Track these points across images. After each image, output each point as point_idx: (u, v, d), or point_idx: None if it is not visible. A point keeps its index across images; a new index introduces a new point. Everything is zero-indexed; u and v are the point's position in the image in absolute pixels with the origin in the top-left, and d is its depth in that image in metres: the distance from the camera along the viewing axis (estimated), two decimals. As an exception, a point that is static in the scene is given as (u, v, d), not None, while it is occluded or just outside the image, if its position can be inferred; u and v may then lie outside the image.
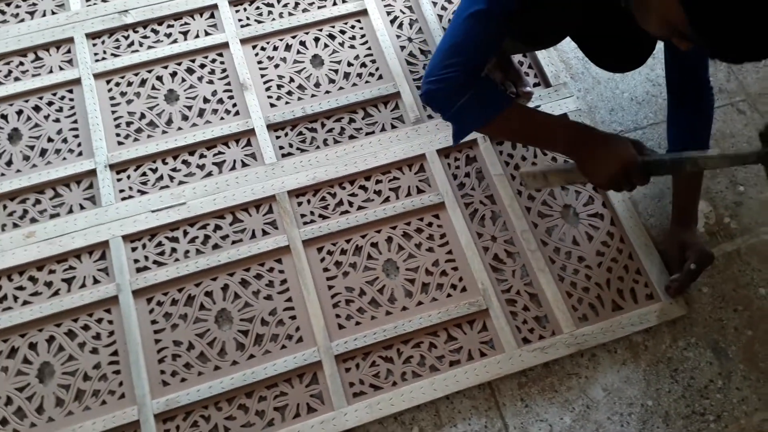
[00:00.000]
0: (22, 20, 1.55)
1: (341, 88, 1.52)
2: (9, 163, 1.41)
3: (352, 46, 1.57)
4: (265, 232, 1.37)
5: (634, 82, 1.57)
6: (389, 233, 1.38)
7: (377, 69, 1.54)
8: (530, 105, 1.47)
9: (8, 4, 1.57)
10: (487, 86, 1.12)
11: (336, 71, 1.54)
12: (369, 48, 1.57)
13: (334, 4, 1.61)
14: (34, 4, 1.57)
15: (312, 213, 1.39)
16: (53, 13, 1.56)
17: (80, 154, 1.42)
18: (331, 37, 1.58)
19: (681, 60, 1.23)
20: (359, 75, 1.54)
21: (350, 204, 1.40)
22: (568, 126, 1.21)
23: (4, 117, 1.45)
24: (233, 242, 1.35)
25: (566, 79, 1.54)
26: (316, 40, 1.57)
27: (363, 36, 1.58)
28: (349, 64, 1.55)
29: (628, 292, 1.33)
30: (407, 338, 1.28)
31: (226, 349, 1.26)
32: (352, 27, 1.59)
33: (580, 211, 1.41)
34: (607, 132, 1.15)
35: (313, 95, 1.51)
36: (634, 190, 1.18)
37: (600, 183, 1.13)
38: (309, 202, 1.40)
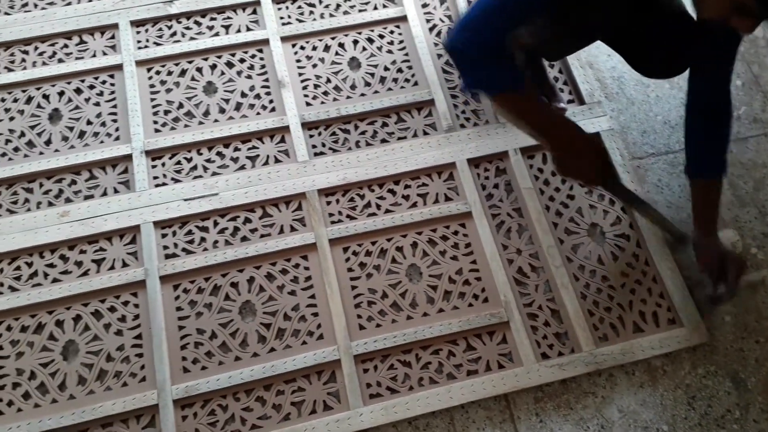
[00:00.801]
0: (69, 3, 1.59)
1: (376, 91, 1.54)
2: (48, 142, 1.43)
3: (389, 51, 1.58)
4: (293, 229, 1.38)
5: (669, 106, 1.57)
6: (415, 238, 1.39)
7: (413, 75, 1.56)
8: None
9: (57, -13, 1.61)
10: (507, 63, 1.12)
11: (372, 75, 1.55)
12: (406, 54, 1.58)
13: (375, 8, 1.63)
14: (82, -11, 1.61)
15: (340, 213, 1.41)
16: (100, -2, 1.60)
17: (117, 138, 1.45)
18: (370, 40, 1.59)
19: (709, 71, 1.23)
20: (395, 80, 1.55)
21: (378, 207, 1.42)
22: (560, 129, 1.20)
23: (46, 97, 1.48)
24: (261, 236, 1.37)
25: (600, 98, 1.55)
26: (355, 42, 1.59)
27: (401, 42, 1.60)
28: (386, 69, 1.56)
29: (650, 315, 1.33)
30: (426, 344, 1.29)
31: (247, 341, 1.28)
32: (391, 32, 1.61)
33: (607, 231, 1.41)
34: (587, 140, 1.18)
35: (348, 97, 1.53)
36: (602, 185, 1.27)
37: (561, 174, 1.22)
38: (338, 201, 1.42)
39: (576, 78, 1.56)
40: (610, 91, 1.58)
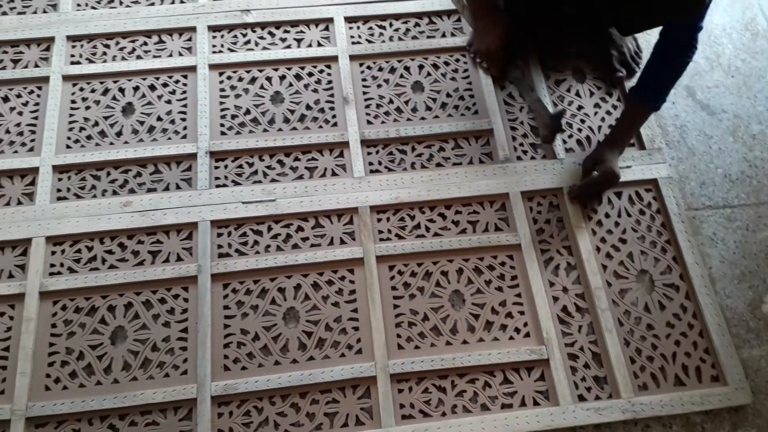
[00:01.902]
0: (152, 4, 1.66)
1: (437, 116, 1.56)
2: (119, 133, 1.50)
3: (453, 79, 1.61)
4: (342, 241, 1.41)
5: (731, 160, 1.55)
6: (461, 265, 1.39)
7: (474, 104, 1.58)
8: (622, 164, 1.47)
9: (142, -13, 1.69)
10: None
11: (434, 100, 1.58)
12: (470, 83, 1.60)
13: (443, 36, 1.66)
14: (166, -9, 1.68)
15: (389, 231, 1.42)
16: (182, 1, 1.66)
17: (184, 137, 1.50)
18: (435, 66, 1.62)
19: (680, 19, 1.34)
20: (456, 107, 1.57)
21: (427, 229, 1.43)
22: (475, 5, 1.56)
23: (122, 90, 1.55)
24: (312, 245, 1.40)
25: (661, 145, 1.54)
26: (420, 67, 1.62)
27: (465, 71, 1.62)
28: (448, 95, 1.59)
29: (693, 369, 1.31)
30: (463, 372, 1.29)
31: (288, 347, 1.30)
32: (457, 60, 1.63)
33: (657, 279, 1.39)
34: (496, 20, 1.53)
35: (408, 119, 1.55)
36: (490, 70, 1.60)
37: (475, 50, 1.60)
38: (388, 219, 1.44)
39: (637, 123, 1.56)
40: (672, 138, 1.57)
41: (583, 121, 1.57)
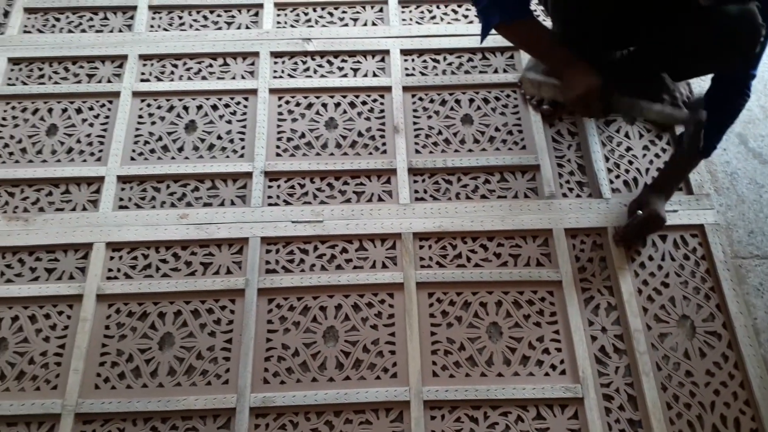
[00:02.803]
0: (220, 28, 1.76)
1: (484, 149, 1.59)
2: (181, 149, 1.58)
3: (503, 114, 1.64)
4: (384, 266, 1.44)
5: (781, 210, 1.53)
6: (500, 297, 1.41)
7: (522, 139, 1.61)
8: (668, 208, 1.47)
9: (212, 12, 1.79)
10: None
11: (483, 133, 1.61)
12: (519, 118, 1.63)
13: (495, 71, 1.70)
14: (233, 17, 1.78)
15: (431, 258, 1.45)
16: (247, 27, 1.76)
17: (242, 156, 1.57)
18: (485, 101, 1.66)
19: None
20: (504, 141, 1.60)
21: (468, 259, 1.46)
22: (559, 52, 1.40)
23: (186, 109, 1.64)
24: (354, 267, 1.44)
25: (709, 191, 1.54)
26: (471, 101, 1.66)
27: (515, 106, 1.65)
28: (497, 130, 1.62)
29: (731, 420, 1.28)
30: (496, 404, 1.30)
31: (326, 365, 1.33)
32: (507, 96, 1.67)
33: (698, 326, 1.38)
34: (583, 65, 1.37)
35: (456, 150, 1.59)
36: (594, 117, 1.57)
37: (568, 102, 1.42)
38: (430, 247, 1.47)
39: (686, 167, 1.56)
40: (721, 185, 1.56)
41: (631, 162, 1.57)
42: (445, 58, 1.72)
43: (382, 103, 1.65)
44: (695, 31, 1.27)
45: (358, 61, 1.71)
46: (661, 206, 1.42)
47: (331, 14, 1.79)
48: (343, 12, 1.79)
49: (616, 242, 1.45)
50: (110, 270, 1.43)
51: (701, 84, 1.68)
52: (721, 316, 1.39)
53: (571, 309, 1.38)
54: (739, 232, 1.51)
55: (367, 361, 1.34)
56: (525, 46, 1.49)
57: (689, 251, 1.46)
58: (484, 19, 1.37)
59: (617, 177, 1.56)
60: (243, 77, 1.68)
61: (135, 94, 1.65)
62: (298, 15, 1.78)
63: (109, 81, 1.67)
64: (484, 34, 1.38)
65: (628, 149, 1.59)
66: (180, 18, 1.78)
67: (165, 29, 1.76)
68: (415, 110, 1.64)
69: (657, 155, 1.59)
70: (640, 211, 1.41)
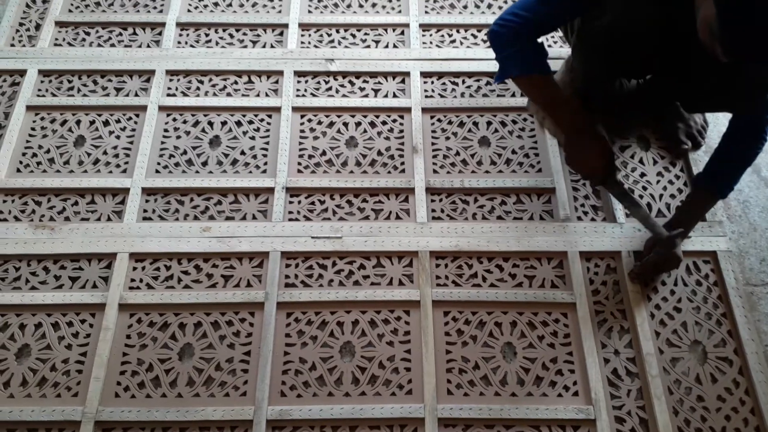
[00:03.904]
0: (245, 46, 1.80)
1: (500, 171, 1.62)
2: (205, 163, 1.62)
3: (519, 137, 1.68)
4: (401, 283, 1.47)
5: (793, 239, 1.56)
6: (515, 318, 1.43)
7: (538, 162, 1.64)
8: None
9: (238, 30, 1.83)
10: (533, 48, 1.36)
11: (499, 155, 1.65)
12: (535, 142, 1.67)
13: (513, 95, 1.73)
14: (258, 36, 1.83)
15: (447, 277, 1.48)
16: (272, 46, 1.80)
17: (264, 171, 1.61)
18: (503, 124, 1.70)
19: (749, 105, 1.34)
20: (520, 164, 1.63)
21: (484, 279, 1.48)
22: (571, 115, 1.44)
23: (211, 124, 1.68)
24: (372, 284, 1.47)
25: (722, 218, 1.56)
26: (488, 123, 1.70)
27: (532, 130, 1.69)
28: (513, 152, 1.65)
29: (743, 446, 1.30)
30: (509, 424, 1.32)
31: (342, 380, 1.36)
32: (524, 119, 1.70)
33: (710, 351, 1.40)
34: (595, 138, 1.42)
35: (473, 171, 1.62)
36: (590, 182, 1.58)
37: (568, 163, 1.49)
38: (446, 266, 1.49)
39: (699, 194, 1.59)
40: (734, 212, 1.59)
41: (645, 188, 1.60)
42: (463, 81, 1.76)
43: (401, 124, 1.69)
44: (720, 73, 1.28)
45: (379, 82, 1.75)
46: (677, 245, 1.42)
47: (353, 36, 1.83)
48: (366, 34, 1.84)
49: (632, 278, 1.46)
50: (133, 280, 1.46)
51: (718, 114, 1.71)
52: (733, 342, 1.41)
53: (584, 331, 1.40)
54: (751, 259, 1.53)
55: (383, 377, 1.36)
56: (538, 99, 1.50)
57: (701, 277, 1.48)
58: (502, 67, 1.38)
59: (631, 202, 1.59)
60: (267, 95, 1.72)
61: (161, 108, 1.69)
62: (321, 36, 1.83)
63: (136, 95, 1.72)
64: (500, 79, 1.41)
65: (642, 175, 1.62)
66: (207, 35, 1.82)
67: (192, 46, 1.81)
68: (433, 131, 1.68)
69: (671, 182, 1.62)
70: (655, 253, 1.41)
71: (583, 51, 1.39)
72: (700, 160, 1.64)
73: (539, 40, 1.37)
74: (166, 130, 1.66)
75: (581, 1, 1.29)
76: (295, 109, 1.69)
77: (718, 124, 1.70)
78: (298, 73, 1.75)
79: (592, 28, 1.29)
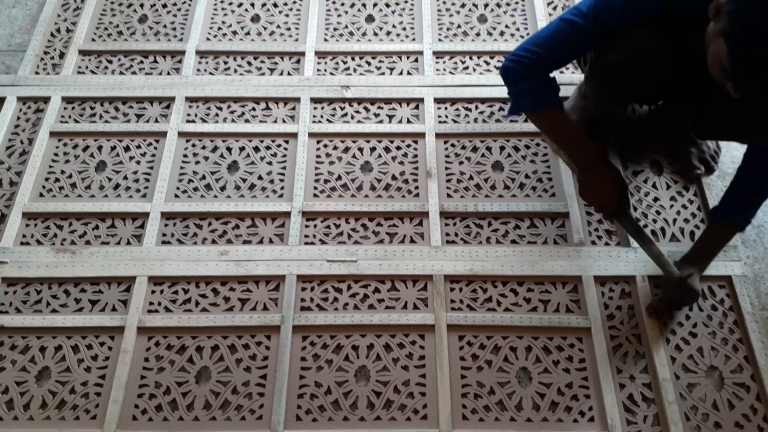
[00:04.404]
0: (263, 74, 1.85)
1: (514, 195, 1.64)
2: (223, 188, 1.65)
3: (532, 161, 1.69)
4: (415, 307, 1.48)
5: (809, 264, 1.55)
6: (530, 342, 1.43)
7: (552, 186, 1.65)
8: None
9: (255, 58, 1.88)
10: (545, 84, 1.37)
11: (513, 180, 1.66)
12: (548, 166, 1.68)
13: (525, 121, 1.76)
14: (276, 63, 1.87)
15: (461, 301, 1.49)
16: (289, 74, 1.84)
17: (281, 196, 1.63)
18: (516, 149, 1.71)
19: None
20: (534, 188, 1.65)
21: (499, 303, 1.49)
22: (584, 150, 1.45)
23: (229, 149, 1.71)
24: (386, 307, 1.48)
25: (737, 243, 1.56)
26: (502, 148, 1.72)
27: (545, 155, 1.70)
28: (527, 177, 1.67)
29: (762, 474, 1.28)
30: (525, 449, 1.31)
31: (357, 404, 1.36)
32: (537, 144, 1.72)
33: (727, 377, 1.39)
34: (608, 172, 1.43)
35: (487, 195, 1.64)
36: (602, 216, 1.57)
37: (581, 196, 1.51)
38: (461, 290, 1.50)
39: (713, 218, 1.59)
40: (748, 237, 1.59)
41: (658, 213, 1.61)
42: (477, 107, 1.78)
43: (415, 149, 1.71)
44: (734, 104, 1.25)
45: (394, 108, 1.78)
46: (695, 280, 1.41)
47: (368, 63, 1.87)
48: (380, 61, 1.87)
49: (649, 314, 1.44)
50: (151, 303, 1.48)
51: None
52: (750, 368, 1.40)
53: (599, 356, 1.40)
54: (766, 284, 1.52)
55: (398, 401, 1.36)
56: (550, 134, 1.51)
57: (717, 302, 1.48)
58: (514, 102, 1.40)
59: (645, 226, 1.59)
60: (284, 121, 1.76)
61: (181, 134, 1.73)
62: (337, 63, 1.87)
63: (156, 121, 1.76)
64: (512, 113, 1.43)
65: (656, 199, 1.63)
66: (225, 63, 1.87)
67: (211, 73, 1.85)
68: (447, 156, 1.70)
69: (684, 206, 1.62)
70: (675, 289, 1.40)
71: (596, 82, 1.40)
72: (713, 185, 1.65)
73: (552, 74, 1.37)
74: (185, 156, 1.70)
75: (594, 37, 1.30)
76: (311, 134, 1.73)
77: (730, 149, 1.71)
78: (315, 100, 1.79)
79: (605, 61, 1.31)
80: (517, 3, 1.99)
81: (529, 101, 1.38)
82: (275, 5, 1.99)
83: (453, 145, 1.72)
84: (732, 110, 1.27)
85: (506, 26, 1.94)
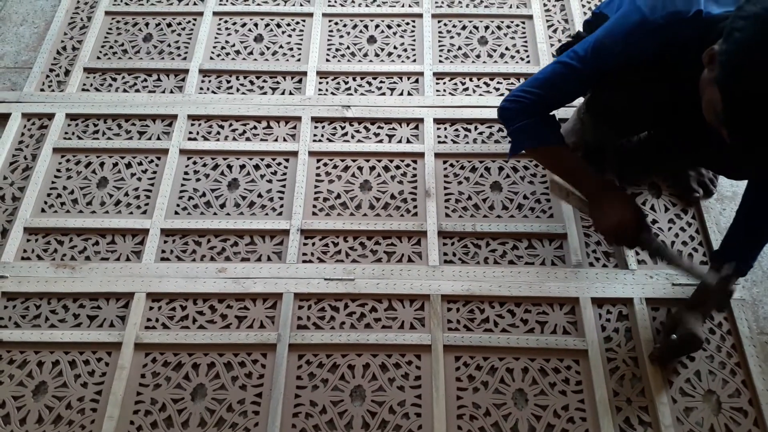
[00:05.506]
0: (265, 93, 1.87)
1: (512, 216, 1.65)
2: (223, 205, 1.66)
3: (531, 182, 1.70)
4: (412, 326, 1.48)
5: (807, 288, 1.55)
6: (527, 364, 1.43)
7: (550, 208, 1.66)
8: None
9: (258, 77, 1.90)
10: (545, 122, 1.36)
11: (511, 200, 1.67)
12: (547, 188, 1.69)
13: (525, 141, 1.77)
14: (278, 83, 1.89)
15: (458, 321, 1.49)
16: (290, 93, 1.87)
17: (280, 214, 1.65)
18: (515, 170, 1.72)
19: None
20: (532, 209, 1.66)
21: (495, 324, 1.48)
22: (590, 180, 1.42)
23: (230, 167, 1.73)
24: (383, 327, 1.48)
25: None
26: (500, 169, 1.73)
27: (543, 176, 1.71)
28: (525, 197, 1.67)
29: (761, 501, 1.27)
30: (521, 471, 1.31)
31: (352, 424, 1.36)
32: (536, 165, 1.73)
33: (724, 401, 1.38)
34: (619, 195, 1.38)
35: (485, 216, 1.65)
36: (624, 247, 1.52)
37: (598, 229, 1.43)
38: (458, 310, 1.50)
39: (712, 242, 1.58)
40: (746, 260, 1.59)
41: (657, 235, 1.60)
42: (476, 128, 1.80)
43: (414, 168, 1.72)
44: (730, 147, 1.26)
45: (394, 128, 1.80)
46: (698, 326, 1.37)
47: (369, 83, 1.89)
48: (381, 82, 1.89)
49: (651, 361, 1.41)
50: (149, 320, 1.49)
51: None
52: (747, 392, 1.39)
53: (596, 379, 1.39)
54: (765, 308, 1.52)
55: (393, 422, 1.36)
56: (553, 169, 1.47)
57: (715, 326, 1.48)
58: (515, 140, 1.39)
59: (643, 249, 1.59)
60: (285, 139, 1.78)
61: (182, 151, 1.75)
62: (338, 83, 1.89)
63: (158, 138, 1.78)
64: (513, 153, 1.41)
65: (654, 222, 1.63)
66: (228, 82, 1.89)
67: (213, 92, 1.87)
68: (446, 176, 1.71)
69: (682, 228, 1.62)
70: (674, 337, 1.36)
71: (593, 116, 1.41)
72: (711, 207, 1.65)
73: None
74: (186, 173, 1.72)
75: (591, 79, 1.28)
76: (311, 153, 1.74)
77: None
78: (316, 119, 1.81)
79: (602, 99, 1.31)
80: (517, 26, 2.02)
81: (529, 138, 1.37)
82: (278, 26, 2.03)
83: (452, 165, 1.73)
84: (727, 150, 1.27)
85: (506, 48, 1.96)
